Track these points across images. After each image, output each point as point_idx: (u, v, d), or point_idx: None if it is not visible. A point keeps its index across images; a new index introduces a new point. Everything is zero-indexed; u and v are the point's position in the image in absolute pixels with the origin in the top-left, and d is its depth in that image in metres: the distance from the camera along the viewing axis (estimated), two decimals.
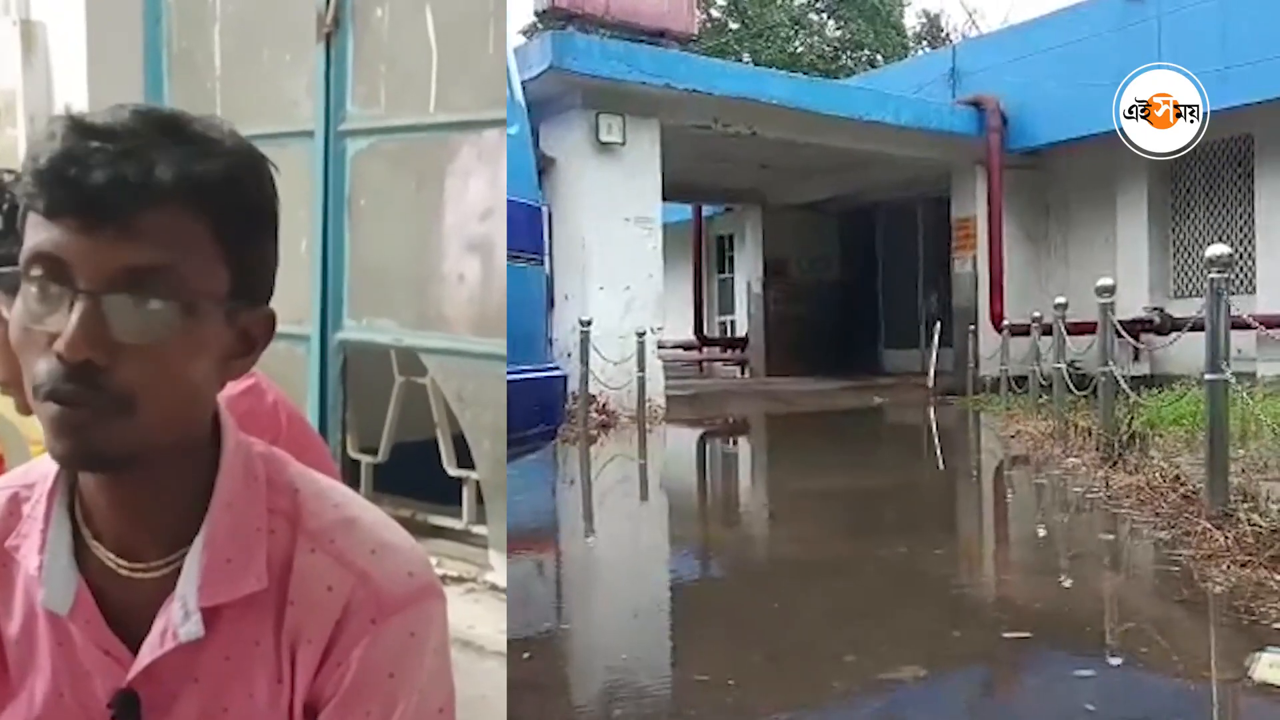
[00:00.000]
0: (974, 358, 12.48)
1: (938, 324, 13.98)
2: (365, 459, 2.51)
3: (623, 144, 10.46)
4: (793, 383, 14.24)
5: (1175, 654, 2.69)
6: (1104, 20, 11.85)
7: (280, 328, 0.92)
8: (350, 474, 2.50)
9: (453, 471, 2.39)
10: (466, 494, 2.37)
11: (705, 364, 18.39)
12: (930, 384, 13.11)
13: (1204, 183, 12.23)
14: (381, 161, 2.42)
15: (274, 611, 0.88)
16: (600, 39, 10.39)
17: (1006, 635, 2.91)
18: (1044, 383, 8.93)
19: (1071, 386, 7.44)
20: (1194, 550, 3.61)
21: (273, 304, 0.91)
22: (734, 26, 26.84)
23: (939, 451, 8.71)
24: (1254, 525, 3.55)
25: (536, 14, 11.92)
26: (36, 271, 0.79)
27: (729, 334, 18.91)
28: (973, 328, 12.84)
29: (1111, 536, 4.32)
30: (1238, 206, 11.87)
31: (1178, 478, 4.66)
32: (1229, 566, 3.35)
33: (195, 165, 0.81)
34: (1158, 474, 4.88)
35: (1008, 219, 13.17)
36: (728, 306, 19.36)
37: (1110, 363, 6.08)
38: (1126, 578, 3.81)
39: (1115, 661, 2.67)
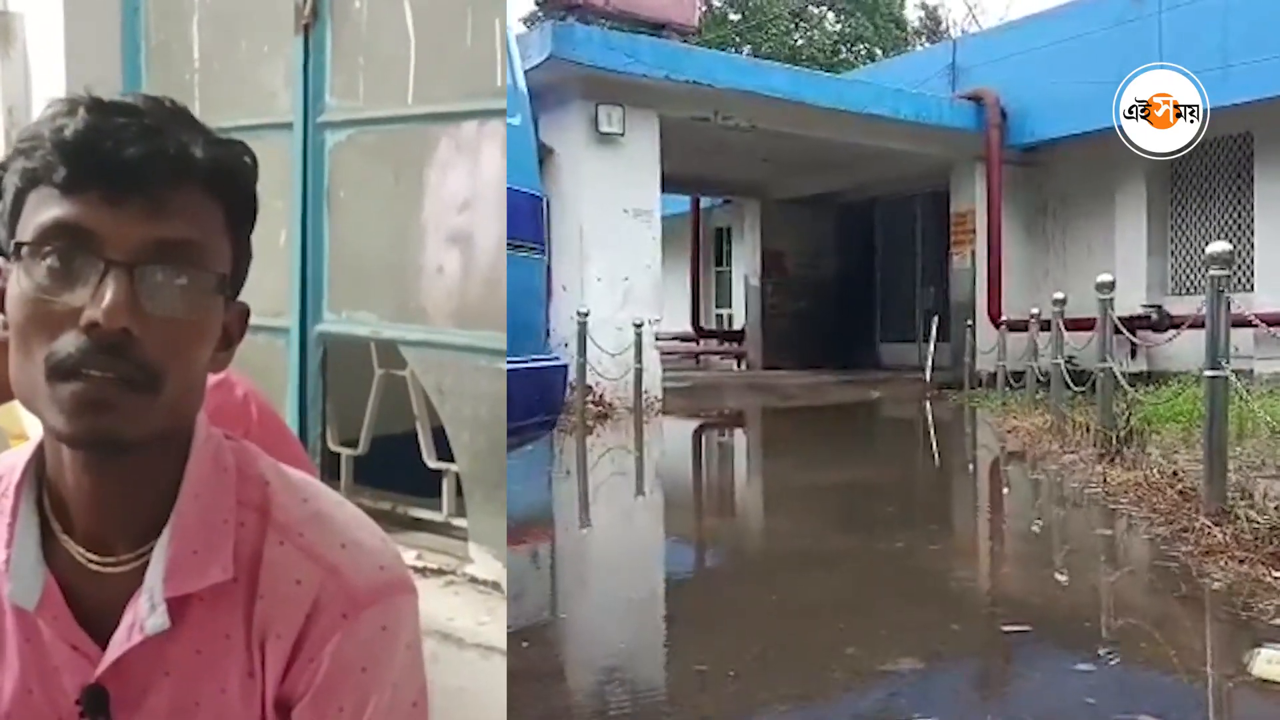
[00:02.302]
0: (971, 353, 12.48)
1: (935, 319, 13.99)
2: (345, 451, 2.50)
3: (622, 135, 10.44)
4: (789, 376, 14.24)
5: (1173, 650, 2.69)
6: (1104, 17, 11.84)
7: (259, 320, 0.93)
8: (331, 466, 2.49)
9: (432, 464, 2.38)
10: (446, 486, 2.36)
11: (702, 356, 18.39)
12: (927, 379, 13.11)
13: (1203, 180, 12.24)
14: (360, 153, 2.41)
15: (244, 605, 0.87)
16: (601, 29, 10.36)
17: (1005, 629, 2.92)
18: (1041, 379, 8.94)
19: (1069, 382, 7.44)
20: (1192, 546, 3.62)
21: (252, 296, 0.92)
22: (734, 18, 26.80)
23: (936, 446, 8.72)
24: (1252, 522, 3.55)
25: (538, 3, 11.93)
26: (56, 243, 0.78)
27: (726, 327, 18.91)
28: (970, 323, 12.85)
29: (1109, 532, 4.32)
30: (1237, 204, 11.88)
31: (1175, 474, 4.66)
32: (1227, 563, 3.36)
33: (217, 149, 0.84)
34: (1155, 470, 4.88)
35: (1006, 214, 13.17)
36: (725, 299, 19.36)
37: (1109, 359, 6.08)
38: (1125, 573, 3.81)
39: (1114, 656, 2.67)
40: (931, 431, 9.80)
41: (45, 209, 0.79)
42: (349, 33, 2.41)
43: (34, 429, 0.88)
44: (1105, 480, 5.13)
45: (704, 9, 23.41)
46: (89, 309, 0.77)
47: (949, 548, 4.33)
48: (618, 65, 10.11)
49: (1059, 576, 3.71)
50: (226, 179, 0.84)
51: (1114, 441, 5.69)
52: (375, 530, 0.94)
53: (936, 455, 8.12)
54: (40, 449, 0.88)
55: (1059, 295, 8.24)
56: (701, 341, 18.49)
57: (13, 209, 0.81)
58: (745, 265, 17.15)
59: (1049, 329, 8.34)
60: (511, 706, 1.58)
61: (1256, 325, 4.66)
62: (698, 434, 10.10)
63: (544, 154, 9.95)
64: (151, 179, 0.78)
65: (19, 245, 0.80)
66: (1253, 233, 11.45)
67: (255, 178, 0.89)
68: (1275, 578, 3.14)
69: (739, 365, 17.21)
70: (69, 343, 0.77)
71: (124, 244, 0.78)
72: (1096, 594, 3.52)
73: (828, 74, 15.75)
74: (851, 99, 12.17)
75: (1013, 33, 13.98)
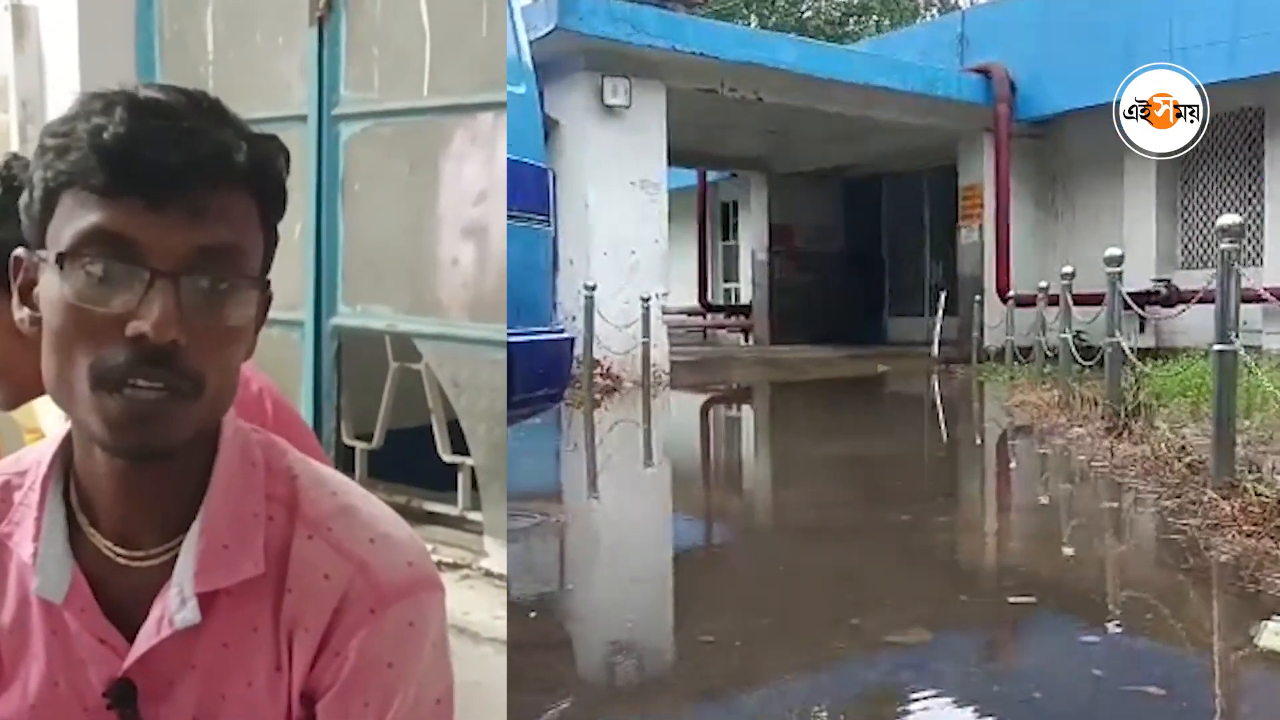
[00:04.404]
0: (979, 327, 12.45)
1: (943, 293, 13.94)
2: (360, 445, 2.50)
3: (628, 107, 10.38)
4: (796, 350, 14.23)
5: (1180, 622, 2.69)
6: None
7: (274, 313, 0.91)
8: (345, 460, 2.49)
9: (447, 457, 2.38)
10: (461, 480, 2.36)
11: (709, 331, 18.37)
12: (934, 353, 13.09)
13: (1213, 155, 12.12)
14: (375, 146, 2.41)
15: (272, 598, 0.87)
16: (606, 0, 10.28)
17: (1012, 600, 2.92)
18: (1049, 353, 8.91)
19: (1077, 356, 7.42)
20: (1199, 520, 3.61)
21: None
22: None
23: (943, 420, 8.71)
24: (1260, 496, 3.54)
25: None
26: (96, 250, 0.77)
27: (733, 301, 18.87)
28: (978, 297, 12.80)
29: (1117, 505, 4.32)
30: (1246, 179, 11.80)
31: (1183, 448, 4.65)
32: (1234, 536, 3.35)
33: (253, 148, 0.82)
34: (1163, 444, 4.86)
35: (1015, 188, 13.10)
36: (732, 273, 19.31)
37: (1117, 333, 6.06)
38: (1132, 546, 3.81)
39: (1120, 628, 2.67)
40: (939, 405, 9.80)
41: (83, 214, 0.77)
42: (363, 24, 2.40)
43: (49, 425, 0.87)
44: (1112, 454, 5.12)
45: None
46: (136, 320, 0.76)
47: (956, 520, 4.33)
48: (623, 36, 10.04)
49: (1066, 549, 3.71)
50: (262, 176, 0.83)
51: (1121, 415, 5.67)
52: (402, 525, 0.94)
53: (944, 429, 8.12)
54: (66, 443, 0.88)
55: (1067, 269, 8.19)
56: (708, 316, 18.46)
57: (43, 207, 0.80)
58: (752, 239, 17.10)
59: (1057, 303, 8.30)
60: (519, 677, 1.58)
61: (1267, 300, 4.63)
62: (705, 407, 10.11)
63: (549, 127, 9.89)
64: (193, 184, 0.77)
65: (58, 252, 0.78)
66: (1263, 207, 11.38)
67: (287, 170, 0.87)
68: None
69: (746, 340, 17.19)
70: (115, 353, 0.76)
71: (168, 253, 0.77)
72: (1103, 566, 3.52)
73: (835, 46, 15.62)
74: (859, 71, 12.08)
75: (1023, 5, 13.82)
